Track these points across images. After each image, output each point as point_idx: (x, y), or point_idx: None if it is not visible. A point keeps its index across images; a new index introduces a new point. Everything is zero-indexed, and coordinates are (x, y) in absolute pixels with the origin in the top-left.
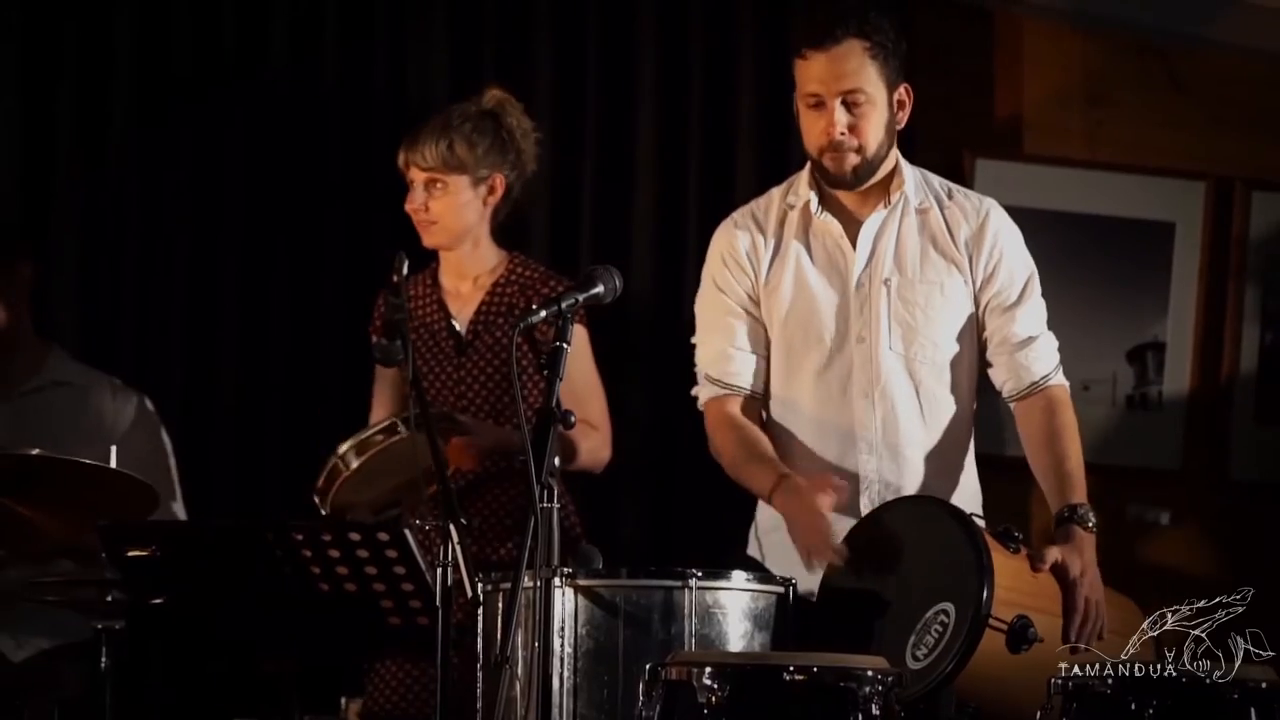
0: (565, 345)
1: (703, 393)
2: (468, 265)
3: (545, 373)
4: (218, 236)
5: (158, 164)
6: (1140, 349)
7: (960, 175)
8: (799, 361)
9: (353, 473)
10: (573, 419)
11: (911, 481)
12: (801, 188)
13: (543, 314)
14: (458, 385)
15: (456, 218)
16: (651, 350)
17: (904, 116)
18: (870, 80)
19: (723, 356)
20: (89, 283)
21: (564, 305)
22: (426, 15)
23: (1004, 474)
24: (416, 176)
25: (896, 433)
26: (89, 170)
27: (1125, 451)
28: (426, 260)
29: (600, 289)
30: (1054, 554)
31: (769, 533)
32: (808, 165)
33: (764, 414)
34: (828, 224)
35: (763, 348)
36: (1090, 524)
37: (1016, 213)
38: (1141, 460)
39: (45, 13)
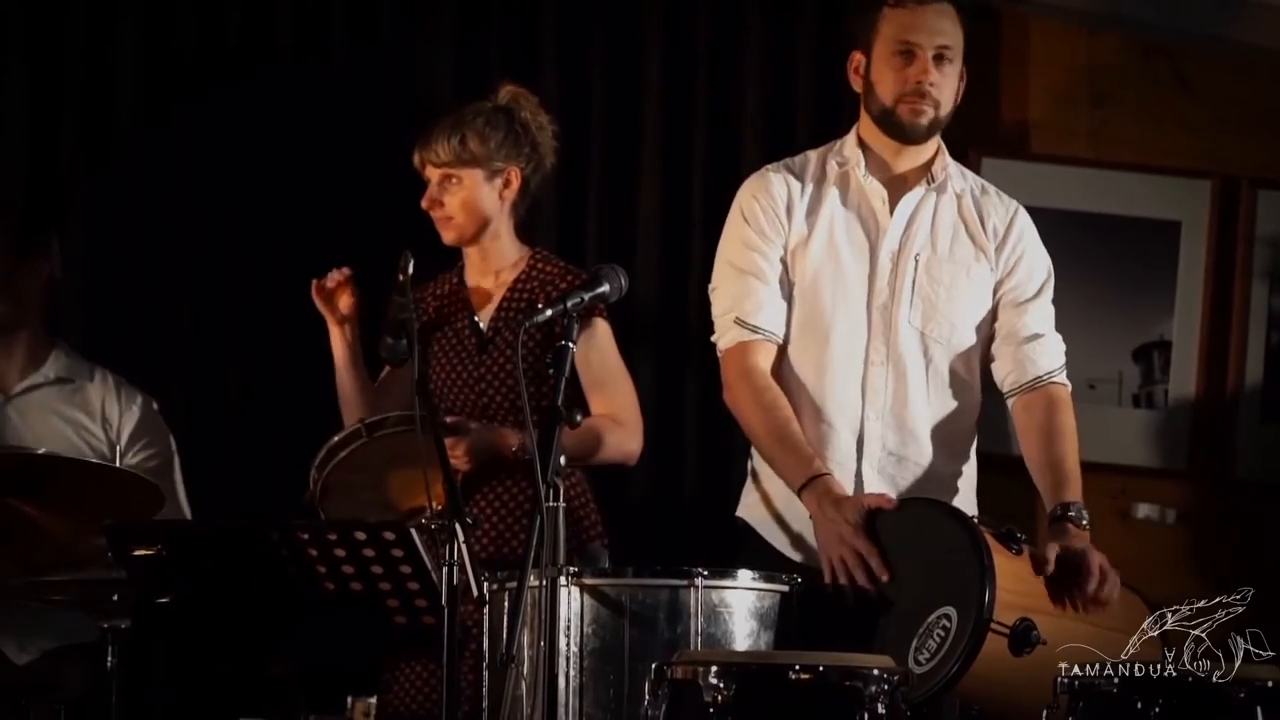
0: (571, 345)
1: (724, 338)
2: (490, 261)
3: (551, 371)
4: (223, 236)
5: (162, 163)
6: (1146, 348)
7: None
8: (818, 319)
9: (322, 487)
10: (578, 418)
11: (916, 453)
12: (849, 149)
13: (548, 313)
14: (479, 382)
15: (472, 212)
16: (657, 349)
17: (961, 94)
18: (959, 42)
19: (750, 296)
20: (94, 282)
21: (570, 304)
22: (433, 14)
23: (1009, 473)
24: (431, 174)
25: (905, 404)
26: (94, 170)
27: (1131, 451)
28: (449, 261)
29: (606, 288)
30: (1055, 548)
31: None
32: (853, 131)
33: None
34: (871, 188)
35: (788, 293)
36: (1084, 522)
37: None
38: (1147, 460)
39: (49, 12)
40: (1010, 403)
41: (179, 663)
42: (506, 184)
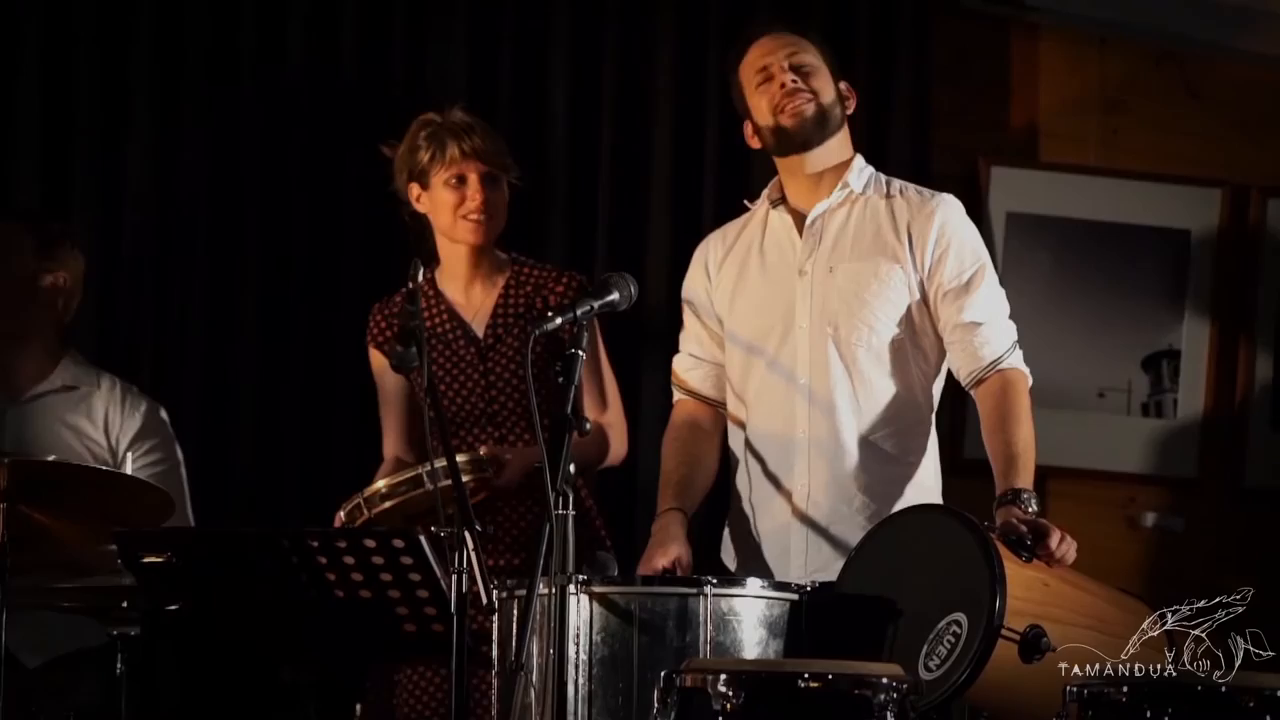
0: (581, 352)
1: (674, 394)
2: (481, 269)
3: (561, 380)
4: (235, 242)
5: (174, 169)
6: (1156, 357)
7: (976, 183)
8: (750, 353)
9: (371, 517)
10: (588, 425)
11: (846, 464)
12: (770, 190)
13: (558, 321)
14: (487, 390)
15: (504, 213)
16: (667, 358)
17: (851, 106)
18: (811, 53)
19: (682, 363)
20: (107, 289)
21: (579, 312)
22: (445, 19)
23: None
24: (473, 172)
25: (834, 416)
26: (105, 176)
27: (1140, 459)
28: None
29: (616, 296)
30: (1005, 514)
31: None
32: (775, 178)
33: (725, 416)
34: (781, 218)
35: (719, 354)
36: (1031, 510)
37: (1032, 220)
38: (1157, 468)
39: (62, 18)
40: (972, 396)
41: (188, 670)
42: (511, 191)
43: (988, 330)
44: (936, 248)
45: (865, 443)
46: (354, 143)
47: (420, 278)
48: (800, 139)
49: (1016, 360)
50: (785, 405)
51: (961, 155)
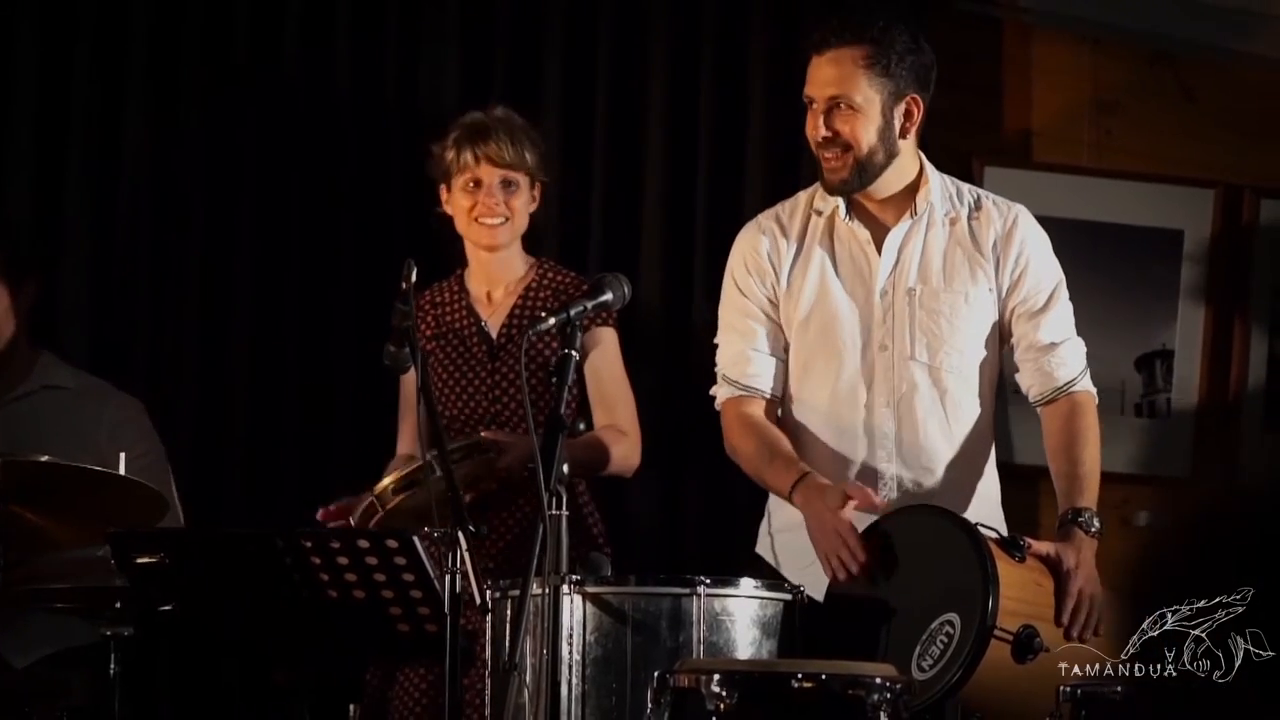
0: (574, 353)
1: (720, 393)
2: (503, 270)
3: (555, 380)
4: (230, 243)
5: (169, 173)
6: (1149, 357)
7: (969, 183)
8: (819, 366)
9: (385, 514)
10: (580, 427)
11: (930, 486)
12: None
13: (551, 321)
14: (492, 389)
15: (522, 217)
16: (660, 357)
17: (912, 127)
18: (858, 89)
19: (741, 358)
20: (100, 292)
21: (573, 313)
22: (438, 21)
23: (1014, 482)
24: (489, 175)
25: (918, 440)
26: (99, 180)
27: (1134, 459)
28: (449, 267)
29: (609, 296)
30: (1046, 546)
31: (781, 532)
32: None
33: (779, 416)
34: (854, 230)
35: (782, 351)
36: (1093, 529)
37: None
38: (1150, 468)
39: (58, 22)
40: (1039, 413)
41: (182, 671)
42: (534, 198)
43: (1064, 351)
44: (1016, 266)
45: (950, 464)
46: (349, 143)
47: (413, 278)
48: (839, 193)
49: (1086, 382)
50: (861, 428)
51: (955, 156)
